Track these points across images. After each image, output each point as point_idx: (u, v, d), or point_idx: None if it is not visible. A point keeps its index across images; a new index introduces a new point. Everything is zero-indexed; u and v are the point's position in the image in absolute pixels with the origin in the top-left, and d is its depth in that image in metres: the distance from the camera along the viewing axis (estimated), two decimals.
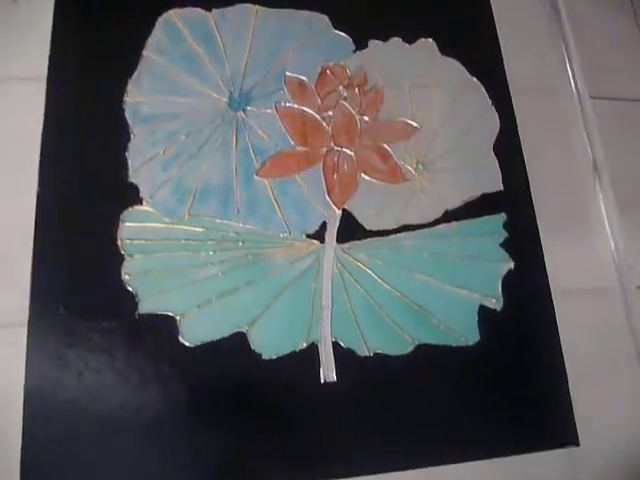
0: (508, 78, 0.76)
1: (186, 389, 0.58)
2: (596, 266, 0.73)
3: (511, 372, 0.64)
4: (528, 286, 0.67)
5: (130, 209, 0.62)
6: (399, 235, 0.66)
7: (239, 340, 0.59)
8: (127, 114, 0.65)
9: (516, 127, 0.73)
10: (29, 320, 0.57)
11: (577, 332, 0.67)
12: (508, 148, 0.72)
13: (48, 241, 0.60)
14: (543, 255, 0.68)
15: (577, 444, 0.64)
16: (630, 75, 0.88)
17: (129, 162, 0.63)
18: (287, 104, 0.68)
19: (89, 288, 0.59)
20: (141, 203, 0.62)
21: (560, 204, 0.74)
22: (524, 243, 0.69)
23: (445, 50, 0.74)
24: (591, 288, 0.72)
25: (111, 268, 0.60)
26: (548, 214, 0.71)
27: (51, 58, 0.66)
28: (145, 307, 0.59)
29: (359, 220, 0.65)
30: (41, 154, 0.62)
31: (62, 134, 0.63)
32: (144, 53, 0.67)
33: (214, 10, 0.70)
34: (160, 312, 0.59)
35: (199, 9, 0.70)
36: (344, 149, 0.67)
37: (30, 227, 0.60)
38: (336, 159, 0.67)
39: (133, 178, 0.63)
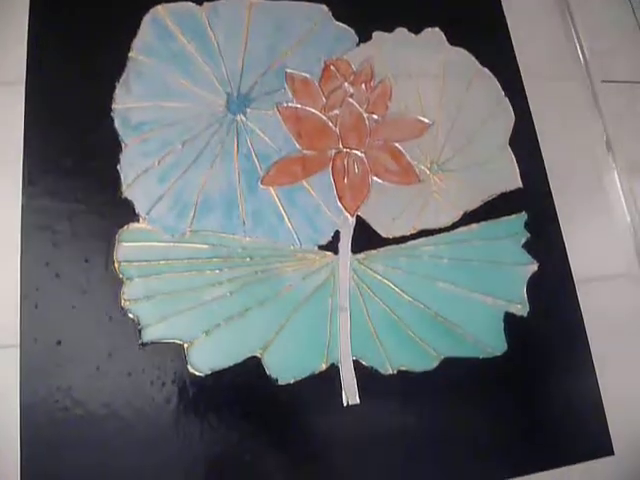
0: (520, 66, 0.71)
1: (198, 422, 0.53)
2: (617, 252, 0.70)
3: (540, 382, 0.61)
4: (553, 288, 0.64)
5: (126, 228, 0.56)
6: (417, 241, 0.61)
7: (253, 366, 0.55)
8: (116, 122, 0.59)
9: (531, 119, 0.69)
10: (20, 358, 0.52)
11: (602, 322, 0.64)
12: (525, 142, 0.68)
13: (35, 264, 0.55)
14: (567, 253, 0.65)
15: (611, 453, 0.60)
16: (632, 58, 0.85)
17: (121, 176, 0.58)
18: (289, 104, 0.63)
19: (86, 317, 0.54)
20: (137, 220, 0.57)
21: (577, 191, 0.70)
22: (547, 242, 0.65)
23: (453, 39, 0.70)
24: (613, 275, 0.69)
25: (109, 293, 0.55)
26: (566, 202, 0.67)
27: (29, 62, 0.59)
28: (149, 335, 0.54)
29: (374, 227, 0.61)
30: (23, 167, 0.57)
31: (46, 146, 0.58)
32: (131, 54, 0.61)
33: (205, 4, 0.65)
34: (166, 340, 0.54)
35: (189, 3, 0.64)
36: (353, 150, 0.63)
37: (16, 246, 0.55)
38: (346, 162, 0.62)
39: (127, 193, 0.57)
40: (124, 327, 0.54)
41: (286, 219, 0.59)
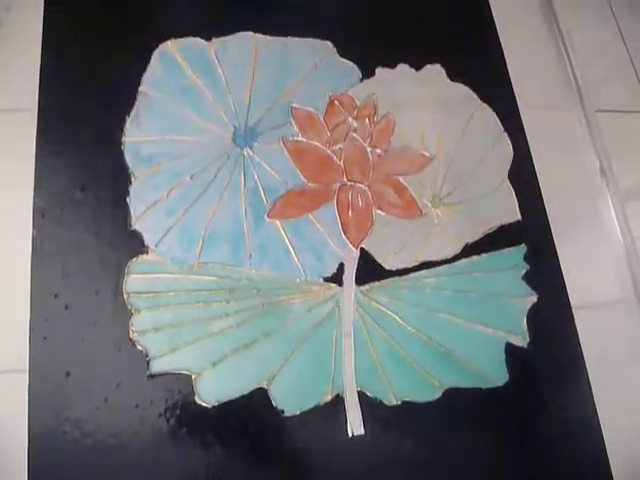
0: (517, 98, 0.73)
1: (205, 453, 0.53)
2: (612, 278, 0.71)
3: (540, 412, 0.62)
4: (552, 320, 0.65)
5: (135, 259, 0.57)
6: (419, 273, 0.63)
7: (259, 397, 0.56)
8: (126, 155, 0.60)
9: (529, 153, 0.71)
10: (29, 389, 0.52)
11: (600, 350, 0.65)
12: (523, 175, 0.70)
13: (45, 296, 0.55)
14: (565, 285, 0.66)
15: None
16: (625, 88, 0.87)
17: (131, 208, 0.59)
18: (295, 138, 0.64)
19: (95, 348, 0.55)
20: (146, 252, 0.58)
21: (573, 219, 0.72)
22: (545, 273, 0.66)
23: (453, 76, 0.72)
24: (609, 301, 0.70)
25: (118, 325, 0.55)
26: (563, 231, 0.69)
27: (41, 93, 0.61)
28: (157, 366, 0.55)
29: (377, 259, 0.62)
30: (34, 198, 0.58)
31: (56, 176, 0.59)
32: (141, 88, 0.63)
33: (214, 39, 0.67)
34: (174, 371, 0.55)
35: (198, 39, 0.66)
36: (357, 184, 0.64)
37: (26, 274, 0.55)
38: (350, 195, 0.63)
39: (136, 225, 0.59)
40: (133, 358, 0.55)
41: (292, 252, 0.60)
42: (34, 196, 0.58)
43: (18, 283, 0.56)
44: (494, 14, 0.77)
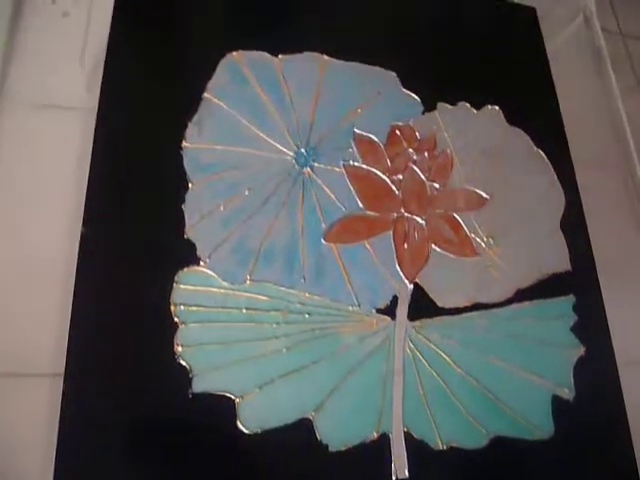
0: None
1: None
2: None
3: (584, 469, 0.59)
4: (598, 375, 0.63)
5: (185, 270, 0.55)
6: (471, 314, 0.61)
7: (304, 428, 0.52)
8: (185, 161, 0.58)
9: (581, 204, 0.70)
10: (65, 395, 0.48)
11: None
12: (574, 226, 0.69)
13: (89, 299, 0.52)
14: (611, 339, 0.65)
15: None
16: None
17: (185, 215, 0.56)
18: (355, 163, 0.63)
19: (136, 359, 0.51)
20: (198, 263, 0.55)
21: (621, 276, 0.71)
22: (593, 327, 0.65)
23: (511, 119, 0.72)
24: None
25: (162, 337, 0.52)
26: (610, 286, 0.68)
27: (103, 89, 0.59)
28: (200, 385, 0.51)
29: (430, 296, 0.60)
30: (87, 195, 0.55)
31: (111, 176, 0.57)
32: (205, 95, 0.61)
33: (281, 56, 0.66)
34: (217, 392, 0.51)
35: (265, 53, 0.65)
36: (414, 216, 0.63)
37: (72, 274, 0.52)
38: (406, 227, 0.62)
39: (190, 234, 0.56)
40: (175, 374, 0.51)
41: (346, 279, 0.58)
42: (87, 192, 0.55)
43: (60, 285, 0.52)
44: (553, 72, 0.78)
